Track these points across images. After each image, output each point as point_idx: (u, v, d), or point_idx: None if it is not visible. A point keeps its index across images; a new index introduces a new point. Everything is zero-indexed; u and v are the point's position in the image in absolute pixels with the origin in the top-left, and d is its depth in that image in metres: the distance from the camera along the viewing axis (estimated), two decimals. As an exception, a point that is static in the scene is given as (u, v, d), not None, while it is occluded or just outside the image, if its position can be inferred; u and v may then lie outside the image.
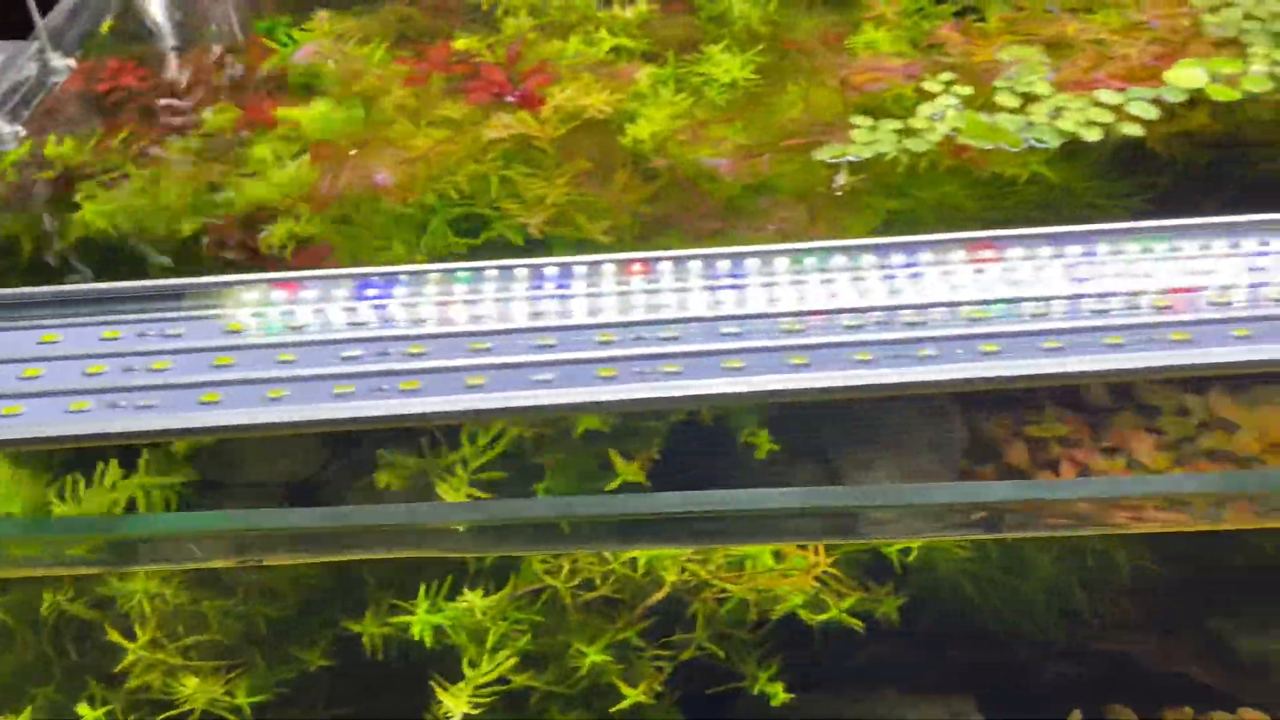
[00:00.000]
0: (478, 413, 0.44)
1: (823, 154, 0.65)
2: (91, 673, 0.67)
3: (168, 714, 0.67)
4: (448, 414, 0.44)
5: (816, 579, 0.64)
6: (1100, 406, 0.65)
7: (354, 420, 0.44)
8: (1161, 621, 0.72)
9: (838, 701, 0.73)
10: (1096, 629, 0.71)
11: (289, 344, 0.46)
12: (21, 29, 0.73)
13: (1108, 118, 0.66)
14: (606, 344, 0.47)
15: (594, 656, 0.65)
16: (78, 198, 0.63)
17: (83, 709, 0.67)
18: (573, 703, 0.68)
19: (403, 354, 0.46)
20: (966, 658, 0.73)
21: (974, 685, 0.73)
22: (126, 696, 0.68)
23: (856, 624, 0.65)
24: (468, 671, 0.63)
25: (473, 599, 0.63)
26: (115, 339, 0.48)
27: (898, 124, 0.66)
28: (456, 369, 0.45)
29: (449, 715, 0.62)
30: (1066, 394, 0.63)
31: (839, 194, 0.62)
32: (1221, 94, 0.68)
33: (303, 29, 0.77)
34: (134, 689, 0.67)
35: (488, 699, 0.63)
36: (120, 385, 0.47)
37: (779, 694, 0.66)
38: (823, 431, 0.64)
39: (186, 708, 0.67)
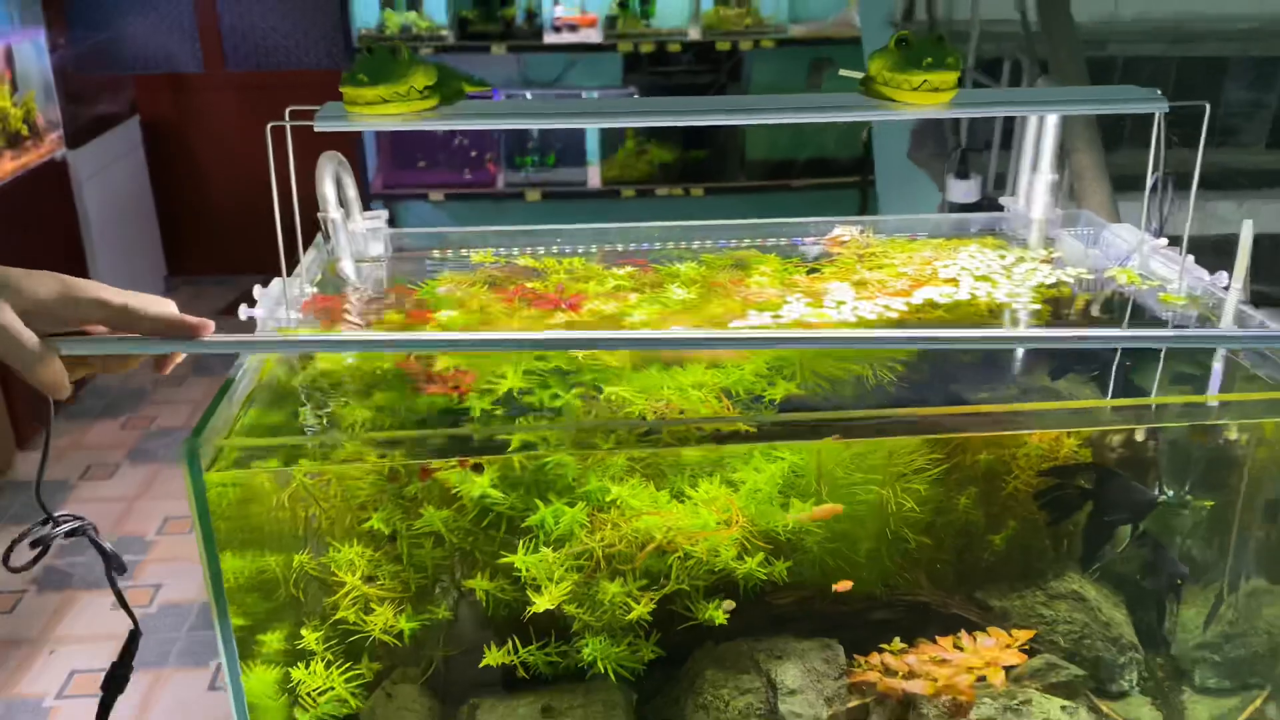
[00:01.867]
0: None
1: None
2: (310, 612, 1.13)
3: (356, 636, 1.12)
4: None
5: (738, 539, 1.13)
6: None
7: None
8: (945, 587, 1.22)
9: (759, 644, 1.19)
10: (906, 592, 1.21)
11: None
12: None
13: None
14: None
15: (611, 588, 1.12)
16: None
17: (305, 632, 1.12)
18: (597, 631, 1.14)
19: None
20: (826, 611, 1.21)
21: (834, 630, 1.20)
22: (330, 627, 1.13)
23: (762, 574, 1.14)
24: (547, 595, 1.10)
25: (546, 553, 1.11)
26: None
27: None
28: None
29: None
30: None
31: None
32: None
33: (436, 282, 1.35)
34: (335, 620, 1.13)
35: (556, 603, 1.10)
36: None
37: (719, 617, 1.14)
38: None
39: (367, 631, 1.12)
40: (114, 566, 0.94)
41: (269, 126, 1.06)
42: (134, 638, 0.99)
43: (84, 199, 4.48)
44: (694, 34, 4.63)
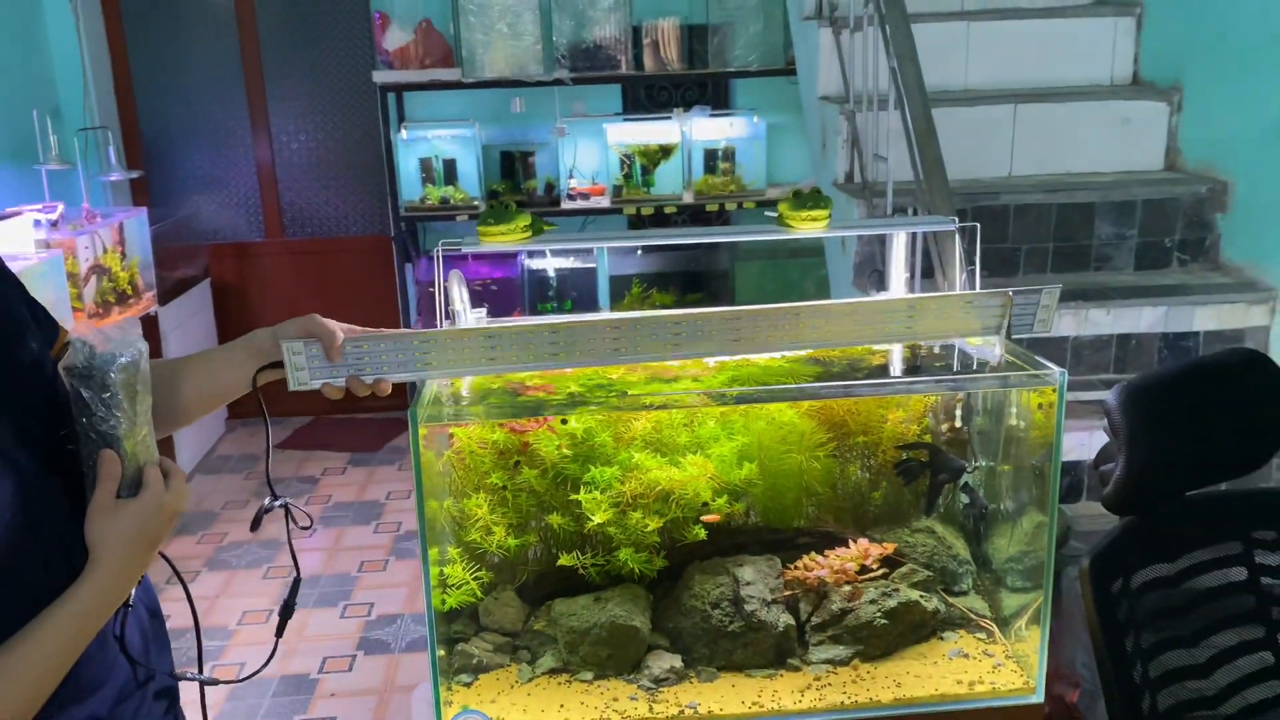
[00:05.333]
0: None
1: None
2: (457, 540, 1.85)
3: (480, 551, 1.84)
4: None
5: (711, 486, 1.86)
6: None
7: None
8: (837, 520, 1.94)
9: (727, 559, 1.91)
10: (820, 527, 1.93)
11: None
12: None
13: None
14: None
15: (635, 515, 1.85)
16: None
17: (451, 549, 1.84)
18: (632, 546, 1.85)
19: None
20: (769, 539, 1.92)
21: (775, 550, 1.92)
22: (464, 546, 1.85)
23: (725, 507, 1.86)
24: (600, 514, 1.82)
25: (596, 494, 1.84)
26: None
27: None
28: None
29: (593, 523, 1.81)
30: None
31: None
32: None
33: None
34: (467, 541, 1.85)
35: (603, 520, 1.82)
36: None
37: (700, 533, 1.85)
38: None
39: (485, 547, 1.84)
40: (300, 525, 1.46)
41: (436, 249, 1.84)
42: (296, 580, 1.44)
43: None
44: (687, 198, 5.53)
